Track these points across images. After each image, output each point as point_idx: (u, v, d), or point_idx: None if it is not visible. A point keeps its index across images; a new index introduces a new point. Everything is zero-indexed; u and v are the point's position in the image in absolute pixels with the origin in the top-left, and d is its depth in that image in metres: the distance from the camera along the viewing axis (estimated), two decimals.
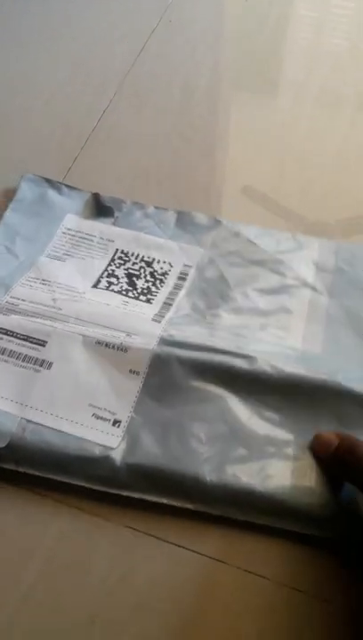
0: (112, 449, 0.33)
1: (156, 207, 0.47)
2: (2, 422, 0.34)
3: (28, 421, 0.34)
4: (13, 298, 0.40)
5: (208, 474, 0.32)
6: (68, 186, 0.49)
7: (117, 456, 0.33)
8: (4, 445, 0.33)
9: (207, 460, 0.32)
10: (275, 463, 0.32)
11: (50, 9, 0.65)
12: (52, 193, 0.48)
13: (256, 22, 0.66)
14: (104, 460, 0.32)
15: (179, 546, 0.31)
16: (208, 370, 0.35)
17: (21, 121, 0.54)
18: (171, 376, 0.35)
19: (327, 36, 0.67)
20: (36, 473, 0.33)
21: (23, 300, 0.40)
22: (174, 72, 0.59)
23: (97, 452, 0.33)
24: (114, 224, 0.46)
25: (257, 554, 0.31)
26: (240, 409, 0.34)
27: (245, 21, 0.66)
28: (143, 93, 0.57)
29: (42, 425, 0.34)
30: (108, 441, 0.33)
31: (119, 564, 0.30)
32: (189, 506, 0.31)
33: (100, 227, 0.46)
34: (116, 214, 0.47)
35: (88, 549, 0.31)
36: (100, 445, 0.33)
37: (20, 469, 0.33)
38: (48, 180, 0.49)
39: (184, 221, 0.46)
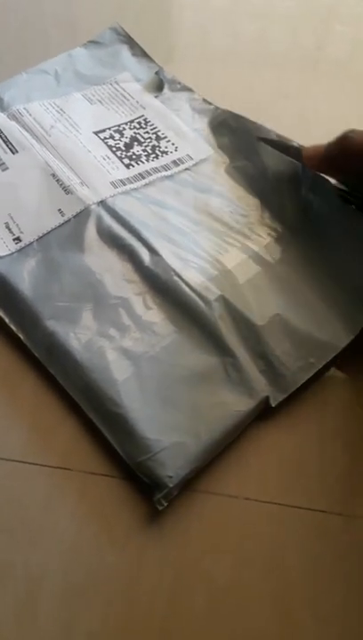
0: None
1: (204, 100, 0.45)
2: None
3: None
4: (25, 110, 0.43)
5: None
6: (143, 51, 0.48)
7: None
8: None
9: None
10: None
11: None
12: (125, 49, 0.49)
13: None
14: None
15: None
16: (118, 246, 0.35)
17: None
18: (83, 233, 0.36)
19: None
20: None
21: (30, 115, 0.42)
22: None
23: None
24: (156, 97, 0.45)
25: None
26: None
27: None
28: None
29: None
30: (0, 248, 0.36)
31: None
32: None
33: (142, 93, 0.45)
34: (165, 91, 0.45)
35: None
36: None
37: None
38: (130, 38, 0.49)
39: (222, 124, 0.43)
